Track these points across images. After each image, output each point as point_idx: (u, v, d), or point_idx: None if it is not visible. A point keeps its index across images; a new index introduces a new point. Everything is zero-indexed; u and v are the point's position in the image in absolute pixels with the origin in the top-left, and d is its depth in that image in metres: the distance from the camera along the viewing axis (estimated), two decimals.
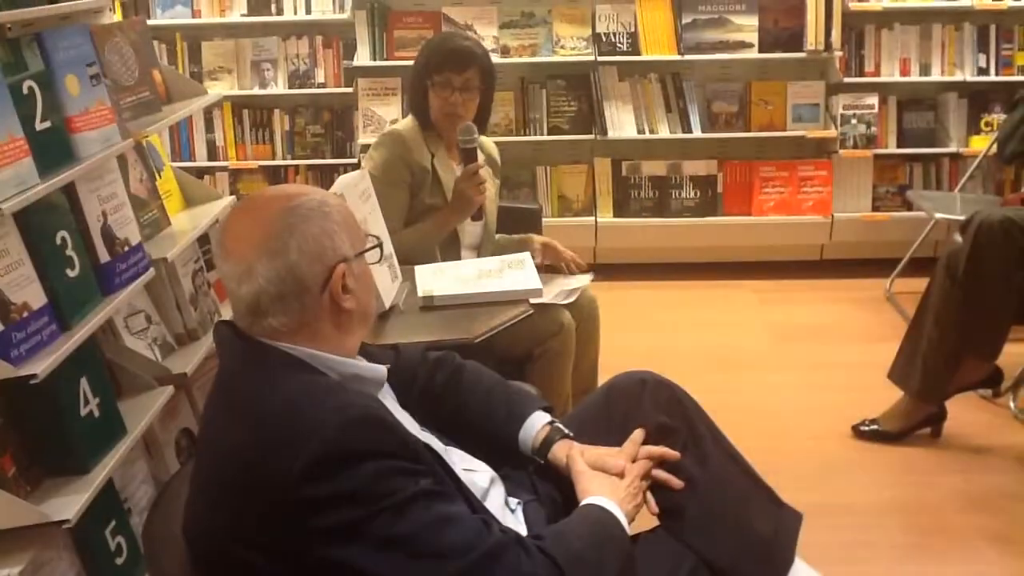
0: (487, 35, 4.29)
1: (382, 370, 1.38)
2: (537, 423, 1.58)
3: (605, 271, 4.40)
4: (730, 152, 4.43)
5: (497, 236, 2.76)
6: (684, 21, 4.24)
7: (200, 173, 4.51)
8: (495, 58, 4.27)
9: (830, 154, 4.37)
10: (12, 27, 1.81)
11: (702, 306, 4.12)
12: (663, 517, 1.56)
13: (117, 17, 4.16)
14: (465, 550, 1.17)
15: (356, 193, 2.05)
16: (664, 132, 4.33)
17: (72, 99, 1.80)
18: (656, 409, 1.58)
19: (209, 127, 4.47)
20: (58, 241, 1.76)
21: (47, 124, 1.71)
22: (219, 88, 4.38)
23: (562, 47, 4.30)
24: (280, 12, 4.33)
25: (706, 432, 1.59)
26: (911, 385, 2.87)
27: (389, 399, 1.42)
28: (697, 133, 4.32)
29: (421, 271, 2.29)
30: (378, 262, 1.44)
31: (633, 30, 4.26)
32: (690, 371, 3.42)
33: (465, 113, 2.56)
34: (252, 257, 1.27)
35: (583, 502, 1.43)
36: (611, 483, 1.46)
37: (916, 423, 2.91)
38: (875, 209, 4.38)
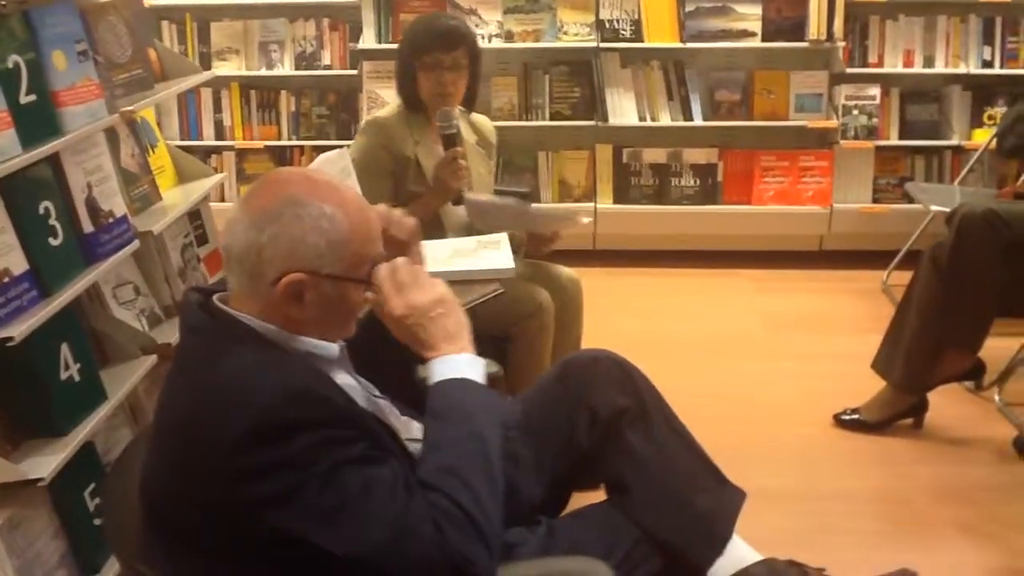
0: (491, 20, 4.33)
1: (334, 348, 1.41)
2: None
3: (604, 257, 4.47)
4: (731, 141, 4.44)
5: (541, 206, 2.79)
6: (687, 9, 4.25)
7: (207, 152, 4.59)
8: (499, 43, 4.33)
9: (831, 144, 4.37)
10: (7, 4, 1.87)
11: (698, 293, 4.15)
12: (609, 491, 1.61)
13: None
14: (397, 516, 1.19)
15: (335, 170, 2.11)
16: (665, 120, 4.35)
17: (59, 74, 1.86)
18: (607, 385, 1.63)
19: (217, 107, 4.53)
20: (41, 211, 1.83)
21: (32, 97, 1.77)
22: (227, 68, 4.44)
23: (565, 33, 4.32)
24: None
25: (654, 409, 1.63)
26: (893, 375, 2.90)
27: (341, 371, 1.46)
28: (698, 121, 4.33)
29: None
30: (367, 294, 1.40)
31: (636, 17, 4.28)
32: (681, 356, 3.49)
33: (455, 92, 2.58)
34: (239, 215, 1.33)
35: (433, 379, 1.36)
36: (441, 321, 1.38)
37: (897, 413, 2.93)
38: (876, 201, 4.38)
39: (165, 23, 4.45)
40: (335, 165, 2.12)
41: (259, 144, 4.55)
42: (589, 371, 1.66)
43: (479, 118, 2.82)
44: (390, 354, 1.67)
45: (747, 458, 2.80)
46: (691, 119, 4.34)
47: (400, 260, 1.42)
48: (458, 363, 1.37)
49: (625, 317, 3.83)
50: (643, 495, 1.55)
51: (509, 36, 4.34)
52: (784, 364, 3.45)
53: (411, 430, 1.50)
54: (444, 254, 2.28)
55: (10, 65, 1.73)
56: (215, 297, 1.38)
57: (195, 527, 1.24)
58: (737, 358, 3.51)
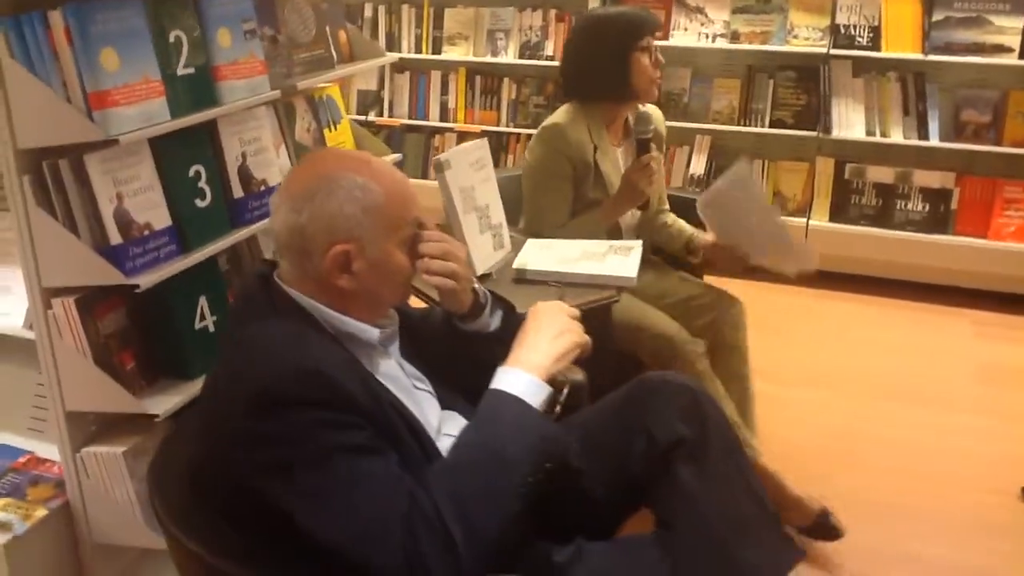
0: (718, 19, 4.17)
1: (374, 334, 1.43)
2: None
3: (810, 277, 4.16)
4: (972, 166, 4.00)
5: (670, 220, 2.72)
6: (935, 18, 3.87)
7: (431, 132, 4.81)
8: (723, 43, 4.17)
9: None
10: None
11: (909, 329, 3.78)
12: (657, 524, 1.52)
13: None
14: (375, 512, 1.19)
15: (467, 161, 2.12)
16: (897, 137, 3.99)
17: (222, 50, 2.01)
18: (672, 411, 1.53)
19: (444, 89, 4.72)
20: (191, 173, 1.99)
21: (190, 70, 1.93)
22: (456, 53, 4.61)
23: (795, 36, 4.08)
24: None
25: (718, 445, 1.50)
26: None
27: (384, 358, 1.48)
28: (935, 141, 3.94)
29: (530, 244, 2.32)
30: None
31: (876, 23, 3.94)
32: (873, 397, 3.20)
33: (662, 76, 2.58)
34: (280, 201, 1.40)
35: (492, 384, 1.37)
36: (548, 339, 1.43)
37: None
38: None
39: (405, 6, 4.68)
40: (469, 155, 2.14)
41: (477, 128, 4.68)
42: (656, 393, 1.56)
43: (651, 109, 2.72)
44: (468, 349, 1.67)
45: (904, 517, 2.53)
46: (927, 138, 3.95)
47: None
48: (521, 381, 1.36)
49: (826, 344, 3.57)
50: (685, 537, 1.44)
51: (735, 37, 4.16)
52: (991, 422, 3.07)
53: (450, 425, 1.49)
54: (573, 255, 2.24)
55: (171, 39, 1.89)
56: (276, 273, 1.45)
57: (216, 493, 1.31)
58: (938, 407, 3.16)
